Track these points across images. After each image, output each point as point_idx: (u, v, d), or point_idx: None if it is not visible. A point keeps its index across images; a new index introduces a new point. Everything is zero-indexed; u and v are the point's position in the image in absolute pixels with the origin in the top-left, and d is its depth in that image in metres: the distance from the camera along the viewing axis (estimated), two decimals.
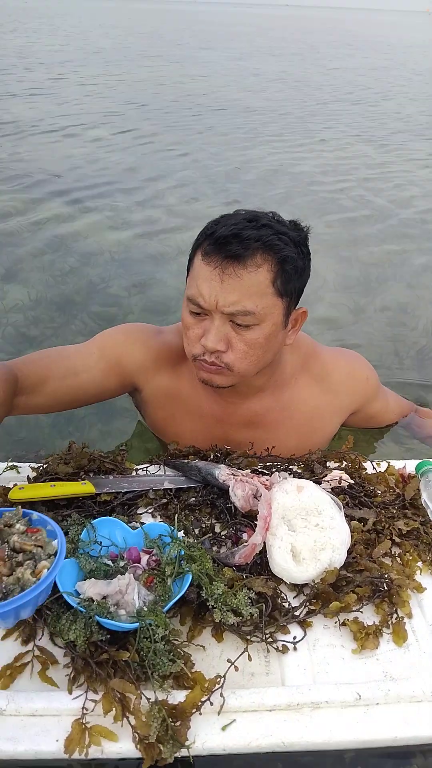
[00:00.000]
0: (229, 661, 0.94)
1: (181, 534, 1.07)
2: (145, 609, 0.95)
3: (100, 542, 1.08)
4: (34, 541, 0.95)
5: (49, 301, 2.90)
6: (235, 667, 0.94)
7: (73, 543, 1.05)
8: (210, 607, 0.99)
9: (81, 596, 0.98)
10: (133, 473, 1.29)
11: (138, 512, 1.21)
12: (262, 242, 1.18)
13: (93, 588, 0.99)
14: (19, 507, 1.01)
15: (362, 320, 2.87)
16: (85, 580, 1.02)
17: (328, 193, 4.82)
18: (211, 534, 1.16)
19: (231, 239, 1.17)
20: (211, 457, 1.32)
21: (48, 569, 0.91)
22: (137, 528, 1.10)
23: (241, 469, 1.27)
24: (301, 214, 1.37)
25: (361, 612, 1.03)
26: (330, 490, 1.23)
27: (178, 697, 0.90)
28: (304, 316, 1.33)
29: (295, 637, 1.00)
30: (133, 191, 4.59)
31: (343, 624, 1.02)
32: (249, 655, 0.96)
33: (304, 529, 1.08)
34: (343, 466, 1.31)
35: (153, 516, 1.21)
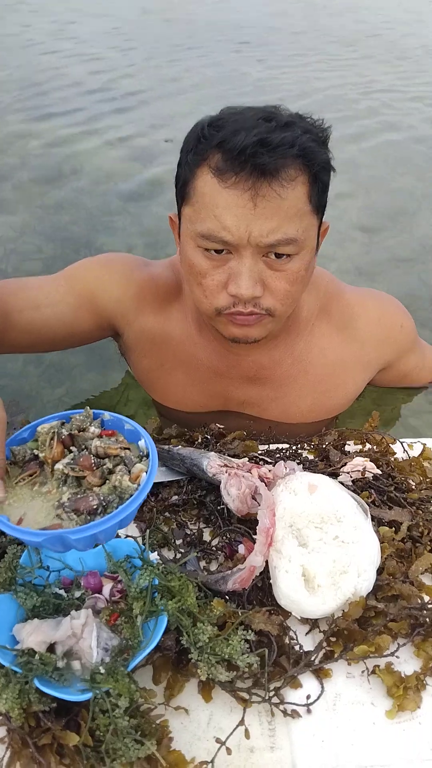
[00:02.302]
0: (218, 741, 0.69)
1: (154, 556, 0.80)
2: (101, 670, 0.69)
3: (48, 566, 0.81)
4: (120, 444, 0.78)
5: (40, 233, 2.54)
6: (227, 749, 0.69)
7: (9, 571, 0.78)
8: (193, 660, 0.73)
9: (18, 646, 0.72)
10: None
11: None
12: (297, 147, 0.91)
13: (35, 634, 0.73)
14: (88, 407, 0.82)
15: (388, 261, 2.48)
16: (26, 620, 0.76)
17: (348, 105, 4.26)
18: (197, 549, 0.89)
19: (258, 147, 0.88)
20: (199, 440, 1.04)
21: (146, 472, 0.74)
22: (98, 545, 0.83)
23: (236, 457, 1.00)
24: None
25: (397, 657, 0.77)
26: (351, 484, 0.96)
27: None
28: (326, 231, 1.06)
29: (308, 696, 0.74)
30: (137, 112, 4.07)
31: (373, 672, 0.77)
32: (246, 729, 0.70)
33: (319, 543, 0.81)
34: (367, 450, 1.03)
35: None
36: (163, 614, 0.74)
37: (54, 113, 3.88)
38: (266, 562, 0.82)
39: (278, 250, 0.94)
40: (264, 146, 0.88)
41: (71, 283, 1.19)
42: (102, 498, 0.72)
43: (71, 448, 0.79)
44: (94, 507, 0.71)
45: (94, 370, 1.75)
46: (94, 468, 0.75)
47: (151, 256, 1.36)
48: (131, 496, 0.72)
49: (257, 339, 1.04)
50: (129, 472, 0.75)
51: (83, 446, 0.79)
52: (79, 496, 0.73)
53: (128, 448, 0.78)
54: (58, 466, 0.76)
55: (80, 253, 2.37)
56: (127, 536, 0.89)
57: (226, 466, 0.94)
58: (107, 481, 0.74)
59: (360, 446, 1.04)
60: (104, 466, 0.75)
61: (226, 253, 0.95)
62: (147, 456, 0.77)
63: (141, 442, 0.79)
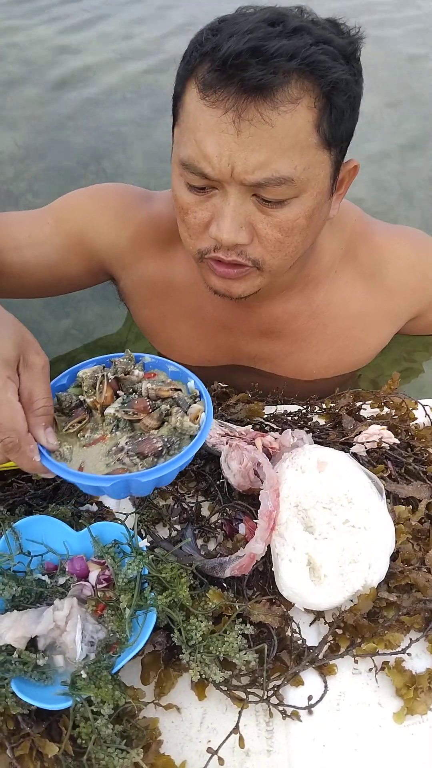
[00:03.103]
0: (209, 750, 0.64)
1: (144, 543, 0.73)
2: (83, 674, 0.63)
3: (29, 552, 0.74)
4: (170, 385, 0.75)
5: (42, 149, 2.34)
6: (220, 759, 0.64)
7: None
8: (185, 662, 0.67)
9: None
10: None
11: None
12: (299, 60, 0.73)
13: (14, 629, 0.67)
14: (128, 350, 0.77)
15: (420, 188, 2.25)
16: (4, 612, 0.70)
17: None
18: (194, 527, 0.82)
19: (248, 58, 0.72)
20: None
21: (204, 411, 0.71)
22: (83, 528, 0.76)
23: (239, 423, 0.91)
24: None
25: (408, 655, 0.71)
26: (365, 455, 0.87)
27: None
28: (354, 172, 0.89)
29: (310, 697, 0.69)
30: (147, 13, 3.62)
31: (382, 669, 0.70)
32: (241, 737, 0.65)
33: (326, 528, 0.73)
34: (384, 414, 0.93)
35: None
36: (153, 610, 0.67)
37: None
38: (268, 545, 0.75)
39: (267, 194, 0.78)
40: (255, 55, 0.71)
41: (58, 221, 1.06)
42: (166, 440, 0.68)
43: (118, 392, 0.74)
44: (159, 449, 0.68)
45: (100, 302, 1.63)
46: (150, 410, 0.71)
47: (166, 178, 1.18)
48: (192, 436, 0.69)
49: (243, 296, 0.90)
50: (186, 413, 0.71)
51: (131, 390, 0.74)
52: (140, 439, 0.69)
53: (179, 390, 0.74)
54: (109, 410, 0.72)
55: (88, 168, 2.18)
56: (116, 515, 0.82)
57: (227, 435, 0.85)
58: (165, 423, 0.71)
59: (377, 409, 0.95)
60: (161, 408, 0.71)
61: (211, 188, 0.81)
62: (199, 397, 0.73)
63: (190, 384, 0.75)
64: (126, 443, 0.69)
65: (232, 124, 0.74)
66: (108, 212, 1.06)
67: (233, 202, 0.79)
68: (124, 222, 1.05)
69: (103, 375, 0.74)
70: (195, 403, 0.73)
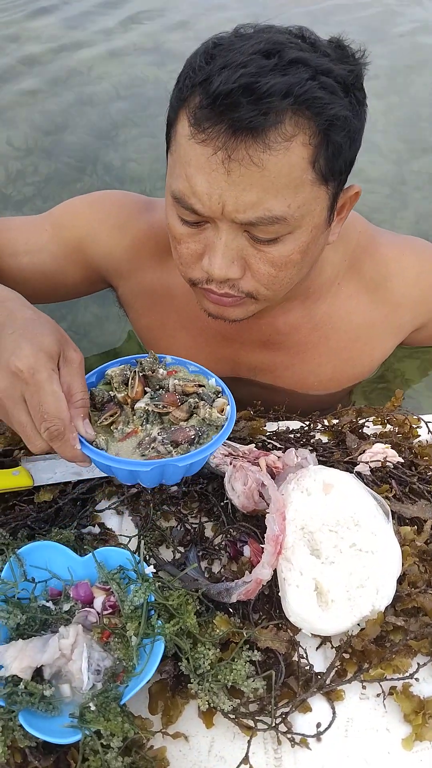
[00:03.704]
0: None
1: (150, 569, 0.72)
2: (92, 707, 0.63)
3: (33, 578, 0.73)
4: (195, 381, 0.79)
5: (41, 149, 2.29)
6: None
7: None
8: (194, 692, 0.66)
9: (1, 673, 0.66)
10: None
11: (97, 509, 0.86)
12: (293, 97, 0.70)
13: (20, 659, 0.66)
14: (152, 351, 0.82)
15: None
16: (9, 640, 0.69)
17: None
18: (198, 548, 0.81)
19: (239, 96, 0.69)
20: None
21: (228, 405, 0.77)
22: (87, 554, 0.75)
23: (242, 442, 0.90)
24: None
25: (416, 680, 0.71)
26: (370, 474, 0.86)
27: None
28: (356, 198, 0.87)
29: (319, 724, 0.68)
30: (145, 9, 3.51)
31: (390, 694, 0.70)
32: (251, 766, 0.64)
33: (333, 552, 0.73)
34: (388, 431, 0.93)
35: (118, 513, 0.86)
36: (160, 639, 0.67)
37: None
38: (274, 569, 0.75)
39: (259, 231, 0.76)
40: (247, 94, 0.68)
41: (56, 228, 1.05)
42: (198, 429, 0.73)
43: (146, 388, 0.79)
44: (192, 437, 0.73)
45: (97, 303, 1.61)
46: (179, 404, 0.76)
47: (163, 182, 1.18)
48: (218, 427, 0.74)
49: (237, 320, 0.89)
50: (211, 406, 0.76)
51: (157, 386, 0.79)
52: (173, 429, 0.74)
53: (203, 386, 0.79)
54: (140, 404, 0.76)
55: (85, 172, 2.15)
56: (120, 537, 0.81)
57: (230, 455, 0.85)
58: (193, 416, 0.76)
59: (380, 426, 0.94)
60: (189, 401, 0.76)
61: (203, 222, 0.79)
62: (221, 393, 0.79)
63: (211, 381, 0.80)
64: (158, 433, 0.74)
65: (222, 165, 0.72)
66: (107, 221, 1.05)
67: (225, 237, 0.78)
68: (122, 231, 1.04)
69: (134, 371, 0.78)
70: (218, 397, 0.78)
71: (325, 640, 0.74)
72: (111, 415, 0.75)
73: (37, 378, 0.68)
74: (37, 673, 0.68)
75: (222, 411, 0.76)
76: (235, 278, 0.81)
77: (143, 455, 0.72)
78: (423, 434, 0.94)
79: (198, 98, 0.73)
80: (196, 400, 0.77)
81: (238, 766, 0.64)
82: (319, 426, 0.95)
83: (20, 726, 0.62)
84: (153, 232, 1.03)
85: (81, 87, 2.62)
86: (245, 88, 0.69)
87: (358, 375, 1.12)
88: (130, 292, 1.11)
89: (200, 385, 0.78)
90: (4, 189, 2.09)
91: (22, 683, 0.65)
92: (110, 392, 0.78)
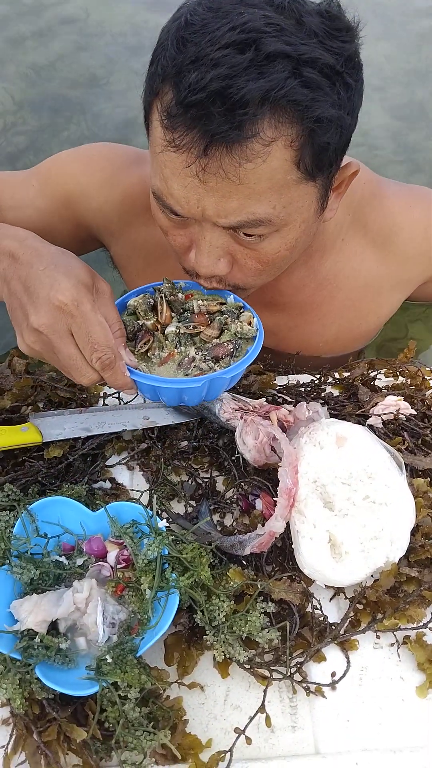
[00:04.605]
0: (236, 730, 0.64)
1: (163, 523, 0.72)
2: (108, 659, 0.63)
3: (45, 534, 0.73)
4: (216, 300, 0.81)
5: (32, 100, 2.21)
6: (247, 738, 0.64)
7: (3, 543, 0.71)
8: (209, 643, 0.66)
9: (17, 626, 0.66)
10: (101, 403, 0.91)
11: (108, 465, 0.85)
12: (271, 102, 0.63)
13: (35, 613, 0.67)
14: (166, 278, 0.81)
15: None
16: (24, 595, 0.69)
17: None
18: (210, 503, 0.80)
19: (210, 104, 0.62)
20: None
21: (254, 317, 0.78)
22: (99, 509, 0.74)
23: (252, 396, 0.89)
24: None
25: (430, 629, 0.71)
26: (382, 427, 0.85)
27: None
28: (354, 176, 0.81)
29: (334, 673, 0.69)
30: None
31: (403, 643, 0.71)
32: (267, 716, 0.65)
33: (347, 504, 0.72)
34: (400, 383, 0.91)
35: (129, 468, 0.85)
36: (175, 592, 0.67)
37: None
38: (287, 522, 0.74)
39: (245, 231, 0.72)
40: (220, 103, 0.62)
41: (43, 183, 1.00)
42: (234, 343, 0.75)
43: (171, 313, 0.79)
44: (231, 350, 0.75)
45: (97, 266, 1.57)
46: (209, 322, 0.77)
47: None
48: (249, 339, 0.76)
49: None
50: (238, 320, 0.77)
51: (181, 310, 0.79)
52: (211, 345, 0.75)
53: (224, 303, 0.80)
54: (170, 328, 0.76)
55: (72, 121, 2.07)
56: (131, 492, 0.80)
57: (241, 409, 0.83)
58: (224, 332, 0.76)
59: (392, 378, 0.93)
60: (219, 319, 0.77)
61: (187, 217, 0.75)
62: (242, 308, 0.80)
63: (230, 299, 0.81)
64: (196, 353, 0.75)
65: (197, 176, 0.67)
66: (95, 175, 1.00)
67: (209, 236, 0.74)
68: (112, 185, 1.00)
69: (161, 296, 0.78)
70: (242, 313, 0.79)
71: (338, 591, 0.74)
72: (145, 343, 0.75)
73: (82, 309, 0.67)
74: (53, 627, 0.68)
75: (250, 323, 0.77)
76: (222, 274, 0.78)
77: (186, 375, 0.73)
78: None
79: (169, 95, 0.67)
80: (225, 316, 0.77)
81: (255, 714, 0.64)
82: (330, 379, 0.93)
83: (37, 679, 0.62)
84: (144, 187, 0.97)
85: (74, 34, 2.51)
86: (217, 95, 0.62)
87: (364, 334, 1.09)
88: (123, 252, 1.07)
89: (222, 303, 0.79)
90: None
91: (38, 637, 0.65)
92: (137, 321, 0.77)
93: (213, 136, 0.64)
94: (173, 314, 0.78)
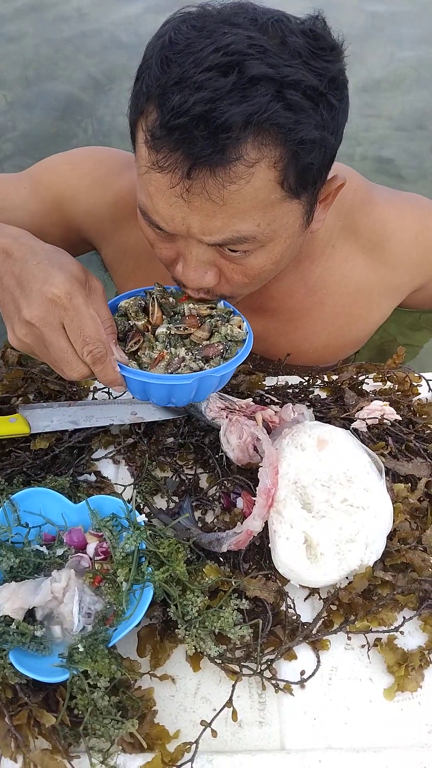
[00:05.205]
0: (203, 723, 0.65)
1: (141, 518, 0.73)
2: (80, 648, 0.64)
3: (27, 523, 0.74)
4: (207, 304, 0.81)
5: (30, 102, 2.22)
6: (213, 731, 0.65)
7: None
8: (181, 637, 0.67)
9: None
10: (90, 397, 0.92)
11: (93, 458, 0.86)
12: (254, 126, 0.64)
13: (12, 600, 0.68)
14: (158, 282, 0.82)
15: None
16: (2, 582, 0.71)
17: None
18: (192, 499, 0.82)
19: (193, 128, 0.63)
20: None
21: (244, 321, 0.80)
22: (81, 501, 0.76)
23: (240, 396, 0.90)
24: None
25: (401, 633, 0.72)
26: (366, 431, 0.86)
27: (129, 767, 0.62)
28: (341, 188, 0.81)
29: (303, 672, 0.70)
30: None
31: (374, 646, 0.72)
32: (234, 711, 0.66)
33: (324, 506, 0.73)
34: (387, 388, 0.92)
35: (115, 462, 0.86)
36: (149, 585, 0.68)
37: None
38: (266, 522, 0.75)
39: (230, 248, 0.73)
40: (204, 126, 0.62)
41: (35, 185, 1.00)
42: (222, 346, 0.76)
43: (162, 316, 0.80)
44: (221, 351, 0.76)
45: (92, 267, 1.57)
46: (200, 324, 0.78)
47: None
48: (242, 340, 0.78)
49: None
50: (229, 323, 0.79)
51: (172, 312, 0.80)
52: (201, 346, 0.76)
53: (215, 308, 0.81)
54: (161, 329, 0.77)
55: (81, 125, 2.08)
56: (115, 486, 0.82)
57: (227, 408, 0.85)
58: (214, 334, 0.78)
59: (380, 383, 0.93)
60: (209, 321, 0.78)
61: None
62: (231, 313, 0.81)
63: (220, 304, 0.82)
64: (186, 353, 0.76)
65: (181, 197, 0.68)
66: (87, 177, 1.00)
67: (195, 251, 0.74)
68: (103, 189, 1.00)
69: (153, 298, 0.79)
70: (231, 317, 0.80)
71: (313, 591, 0.75)
72: (136, 342, 0.76)
73: (75, 302, 0.67)
74: (30, 615, 0.69)
75: (240, 327, 0.79)
76: (210, 286, 0.78)
77: (177, 373, 0.74)
78: (423, 392, 0.93)
79: (153, 115, 0.67)
80: (216, 319, 0.79)
81: (222, 707, 0.66)
82: (319, 382, 0.94)
83: (10, 664, 0.64)
84: (135, 190, 0.97)
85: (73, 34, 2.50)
86: (200, 119, 0.62)
87: (354, 341, 1.09)
88: (113, 255, 1.07)
89: (212, 307, 0.80)
90: None
91: (14, 623, 0.67)
92: (128, 322, 0.78)
93: (196, 159, 0.64)
94: (164, 316, 0.79)
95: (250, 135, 0.64)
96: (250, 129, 0.64)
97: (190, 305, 0.79)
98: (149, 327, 0.78)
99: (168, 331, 0.77)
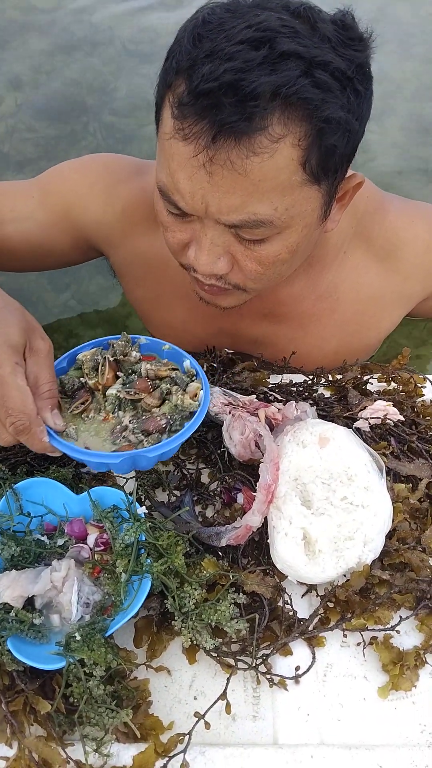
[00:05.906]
0: (197, 714, 0.66)
1: (142, 510, 0.73)
2: (77, 636, 0.65)
3: (29, 513, 0.75)
4: (168, 366, 0.79)
5: (39, 106, 2.23)
6: (206, 723, 0.66)
7: None
8: (177, 629, 0.68)
9: None
10: None
11: None
12: (282, 98, 0.64)
13: (12, 588, 0.69)
14: (125, 333, 0.80)
15: None
16: (3, 570, 0.72)
17: None
18: (193, 493, 0.82)
19: (221, 95, 0.64)
20: (205, 368, 0.94)
21: (201, 389, 0.76)
22: (83, 492, 0.76)
23: (244, 392, 0.90)
24: None
25: (397, 632, 0.72)
26: (369, 431, 0.86)
27: (123, 757, 0.63)
28: (358, 188, 0.82)
29: (298, 667, 0.70)
30: None
31: (370, 644, 0.72)
32: (228, 704, 0.67)
33: (324, 504, 0.73)
34: (391, 389, 0.92)
35: None
36: (148, 577, 0.68)
37: None
38: (265, 517, 0.76)
39: (245, 232, 0.73)
40: (231, 94, 0.63)
41: (43, 194, 1.01)
42: (169, 417, 0.73)
43: (118, 373, 0.78)
44: (163, 426, 0.73)
45: (103, 273, 1.57)
46: (151, 390, 0.75)
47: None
48: (192, 413, 0.74)
49: (229, 307, 0.87)
50: (185, 391, 0.76)
51: (130, 371, 0.78)
52: (143, 417, 0.74)
53: (176, 369, 0.79)
54: (111, 391, 0.76)
55: (89, 129, 2.07)
56: (117, 479, 0.82)
57: (230, 404, 0.85)
58: (166, 402, 0.75)
59: (384, 384, 0.94)
60: (161, 387, 0.76)
61: (190, 214, 0.75)
62: (195, 376, 0.78)
63: (186, 363, 0.79)
64: (130, 422, 0.74)
65: (203, 167, 0.68)
66: (95, 186, 1.00)
67: (210, 234, 0.75)
68: (112, 197, 1.00)
69: (104, 357, 0.77)
70: (192, 381, 0.77)
71: (310, 588, 0.76)
72: (82, 403, 0.75)
73: (0, 373, 0.67)
74: (29, 603, 0.70)
75: (195, 396, 0.75)
76: (221, 273, 0.78)
77: (114, 444, 0.73)
78: (428, 394, 0.93)
79: (182, 87, 0.68)
80: (169, 385, 0.76)
81: (216, 700, 0.66)
82: (323, 381, 0.94)
83: (8, 651, 0.65)
84: (145, 197, 0.98)
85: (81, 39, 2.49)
86: (229, 87, 0.63)
87: (364, 349, 1.08)
88: (122, 261, 1.07)
89: (173, 369, 0.77)
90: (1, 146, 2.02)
91: (13, 611, 0.68)
92: (81, 378, 0.77)
93: (222, 125, 0.65)
94: (120, 374, 0.78)
95: (277, 108, 0.65)
96: (277, 101, 0.64)
97: (148, 366, 0.77)
98: (99, 386, 0.76)
99: (118, 393, 0.75)
